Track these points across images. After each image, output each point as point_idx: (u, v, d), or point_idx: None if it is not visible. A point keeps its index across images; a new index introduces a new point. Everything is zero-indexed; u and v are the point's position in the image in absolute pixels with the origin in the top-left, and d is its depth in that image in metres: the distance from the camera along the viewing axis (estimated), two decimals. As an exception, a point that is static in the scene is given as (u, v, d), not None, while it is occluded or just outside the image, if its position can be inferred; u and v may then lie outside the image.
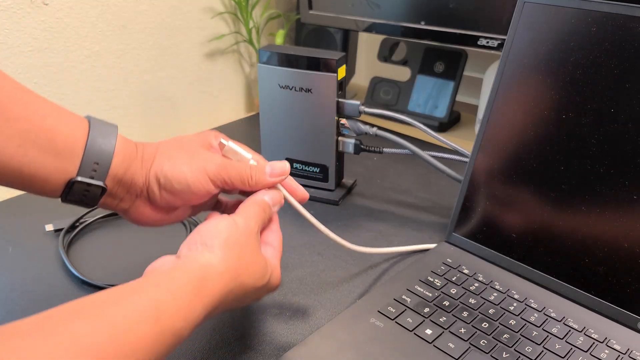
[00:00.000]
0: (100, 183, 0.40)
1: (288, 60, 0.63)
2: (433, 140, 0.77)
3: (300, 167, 0.69)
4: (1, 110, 0.36)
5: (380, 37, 0.96)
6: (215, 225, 0.39)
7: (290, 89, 0.64)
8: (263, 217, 0.43)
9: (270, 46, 0.66)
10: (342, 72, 0.63)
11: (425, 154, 0.63)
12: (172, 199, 0.43)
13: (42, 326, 0.27)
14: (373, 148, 0.66)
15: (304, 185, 0.62)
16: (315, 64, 0.62)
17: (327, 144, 0.66)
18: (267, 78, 0.65)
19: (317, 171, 0.68)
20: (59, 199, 0.41)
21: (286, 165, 0.46)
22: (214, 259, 0.36)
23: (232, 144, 0.46)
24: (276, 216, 0.47)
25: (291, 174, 0.63)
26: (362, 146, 0.66)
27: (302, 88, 0.64)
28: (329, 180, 0.68)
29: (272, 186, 0.46)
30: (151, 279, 0.34)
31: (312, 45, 0.98)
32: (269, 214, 0.44)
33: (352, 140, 0.66)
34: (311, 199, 0.53)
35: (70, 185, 0.39)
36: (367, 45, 1.07)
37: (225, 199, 0.51)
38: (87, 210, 0.63)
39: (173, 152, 0.44)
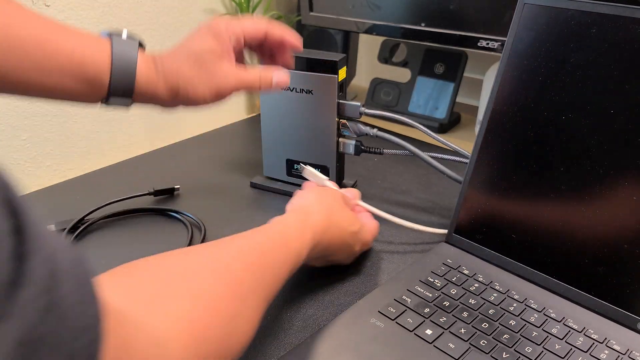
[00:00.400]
0: (128, 101, 0.49)
1: None
2: (433, 142, 0.77)
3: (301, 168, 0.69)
4: (42, 47, 0.43)
5: (380, 39, 0.96)
6: (307, 189, 0.56)
7: (292, 91, 0.64)
8: (345, 196, 0.56)
9: None
10: (342, 73, 0.63)
11: (425, 155, 0.63)
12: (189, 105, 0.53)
13: (220, 242, 0.41)
14: (373, 149, 0.67)
15: None
16: (316, 66, 0.62)
17: (327, 145, 0.66)
18: None
19: (319, 172, 0.68)
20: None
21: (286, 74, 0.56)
22: (311, 204, 0.50)
23: (309, 168, 0.61)
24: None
25: (292, 174, 0.64)
26: (362, 147, 0.66)
27: (303, 90, 0.64)
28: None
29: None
30: (272, 222, 0.47)
31: (313, 47, 0.99)
32: (348, 200, 0.57)
33: (353, 142, 0.66)
34: None
35: (105, 101, 0.49)
36: (368, 46, 1.07)
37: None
38: (89, 210, 0.63)
39: (193, 73, 0.50)
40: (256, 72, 0.53)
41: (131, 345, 0.25)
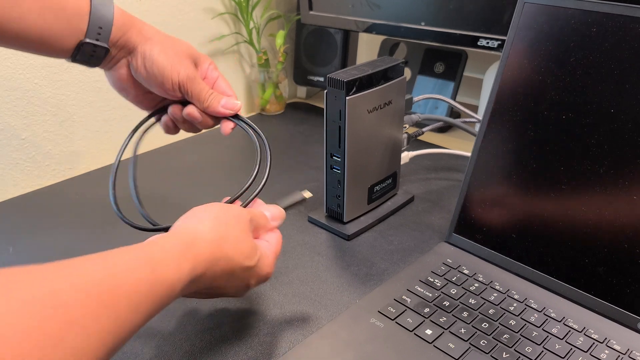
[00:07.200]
0: (104, 44, 0.48)
1: (370, 81, 0.57)
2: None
3: (380, 188, 0.64)
4: None
5: (380, 38, 0.96)
6: (208, 206, 0.43)
7: (377, 110, 0.59)
8: (258, 220, 0.45)
9: (344, 73, 0.56)
10: None
11: (457, 121, 0.72)
12: (145, 76, 0.51)
13: (59, 266, 0.30)
14: (416, 132, 0.69)
15: (383, 203, 0.65)
16: (391, 73, 0.59)
17: (397, 149, 0.64)
18: (357, 108, 0.56)
19: (390, 182, 0.65)
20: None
21: (237, 104, 0.54)
22: (202, 228, 0.40)
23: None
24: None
25: (373, 199, 0.64)
26: (411, 136, 0.68)
27: (385, 103, 0.59)
28: (396, 186, 0.67)
29: (223, 115, 0.54)
30: (147, 241, 0.38)
31: (313, 46, 0.99)
32: (264, 223, 0.46)
33: (405, 135, 0.66)
34: (391, 213, 0.57)
35: (80, 46, 0.47)
36: (368, 45, 1.07)
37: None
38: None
39: (167, 46, 0.51)
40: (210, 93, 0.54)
41: None
